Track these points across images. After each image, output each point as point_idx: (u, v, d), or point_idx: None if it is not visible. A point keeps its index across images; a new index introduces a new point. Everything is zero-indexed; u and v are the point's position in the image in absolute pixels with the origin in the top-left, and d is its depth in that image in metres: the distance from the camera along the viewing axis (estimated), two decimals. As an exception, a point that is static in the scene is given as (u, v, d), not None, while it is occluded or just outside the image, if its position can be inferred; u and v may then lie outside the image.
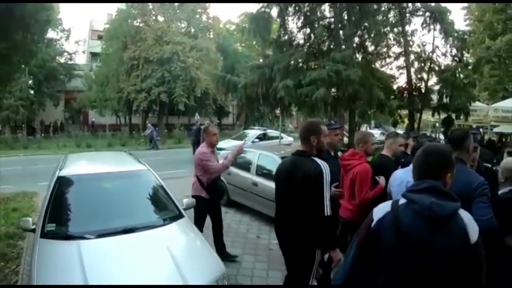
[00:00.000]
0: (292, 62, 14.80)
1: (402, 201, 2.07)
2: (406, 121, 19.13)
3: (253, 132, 20.32)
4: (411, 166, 4.10)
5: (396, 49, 17.80)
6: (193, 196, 5.71)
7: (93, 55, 42.65)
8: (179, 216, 4.63)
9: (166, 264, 3.60)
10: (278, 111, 18.24)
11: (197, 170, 5.86)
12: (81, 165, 5.90)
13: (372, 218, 2.09)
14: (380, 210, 2.10)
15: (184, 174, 11.76)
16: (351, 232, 4.75)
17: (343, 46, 15.06)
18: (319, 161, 3.59)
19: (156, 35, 31.62)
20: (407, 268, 1.95)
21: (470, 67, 17.27)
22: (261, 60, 17.42)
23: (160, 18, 34.49)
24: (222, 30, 40.39)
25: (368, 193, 4.57)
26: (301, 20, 16.33)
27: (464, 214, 2.02)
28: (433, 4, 16.40)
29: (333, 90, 14.23)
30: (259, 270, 5.76)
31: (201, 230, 5.41)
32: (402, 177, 4.04)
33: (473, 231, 1.97)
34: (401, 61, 17.43)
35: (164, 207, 4.86)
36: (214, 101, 35.38)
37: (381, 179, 4.62)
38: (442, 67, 16.77)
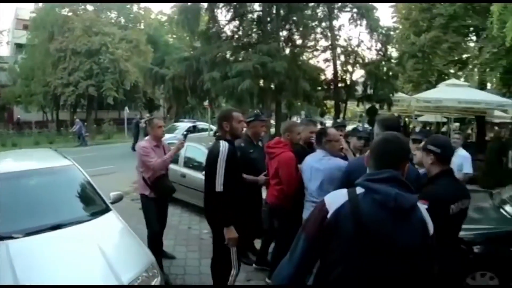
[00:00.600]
0: (219, 54, 14.74)
1: (360, 190, 1.95)
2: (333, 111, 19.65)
3: (183, 125, 20.03)
4: (319, 152, 4.20)
5: (323, 43, 18.21)
6: (139, 195, 5.58)
7: (18, 46, 39.65)
8: (106, 210, 4.60)
9: (96, 258, 3.57)
10: (206, 103, 18.13)
11: (140, 166, 5.38)
12: (3, 163, 5.46)
13: (326, 209, 1.92)
14: (335, 200, 1.94)
15: (114, 170, 11.49)
16: (276, 218, 5.08)
17: (271, 39, 15.12)
18: (222, 143, 3.94)
19: (85, 25, 30.26)
20: (366, 260, 1.85)
21: (393, 61, 17.97)
22: (187, 53, 17.14)
23: (90, 7, 33.12)
24: (153, 21, 39.50)
25: (294, 180, 4.67)
26: (230, 13, 16.29)
27: (421, 206, 2.01)
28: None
29: (260, 81, 14.25)
30: (191, 260, 5.86)
31: (158, 231, 5.36)
32: (313, 165, 4.22)
33: (430, 223, 1.98)
34: (328, 54, 17.83)
35: (91, 202, 4.80)
36: (144, 94, 34.62)
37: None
38: (367, 61, 17.35)
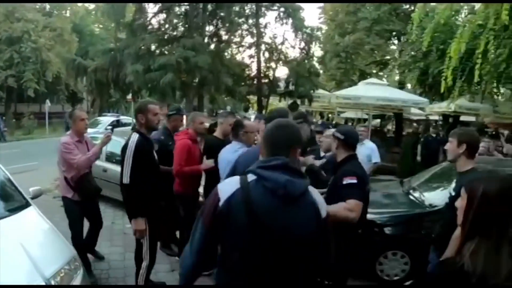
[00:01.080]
0: (143, 46, 14.60)
1: (252, 177, 1.95)
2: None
3: (106, 119, 19.40)
4: (234, 144, 4.36)
5: (249, 39, 18.55)
6: (62, 198, 4.96)
7: None
8: (26, 205, 4.36)
9: (17, 254, 3.43)
10: (129, 97, 17.86)
11: (62, 164, 4.79)
12: None
13: (219, 197, 1.91)
14: (227, 188, 1.94)
15: (36, 166, 10.84)
16: (181, 205, 5.19)
17: (197, 33, 15.24)
18: (133, 135, 3.97)
19: (7, 10, 28.19)
20: (261, 246, 1.88)
21: (316, 59, 18.70)
22: (113, 44, 16.80)
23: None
24: (80, 9, 37.58)
25: (182, 166, 4.82)
26: (158, 6, 16.14)
27: (313, 190, 2.03)
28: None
29: (183, 76, 14.32)
30: (115, 254, 5.78)
31: (79, 236, 4.89)
32: (228, 157, 4.16)
33: (322, 206, 2.02)
34: (253, 50, 18.19)
35: (9, 198, 4.51)
36: (66, 86, 32.64)
37: (208, 162, 4.80)
38: (290, 58, 17.92)
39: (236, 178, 1.99)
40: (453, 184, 3.79)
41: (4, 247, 3.43)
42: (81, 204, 4.86)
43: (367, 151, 7.51)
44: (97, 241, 5.44)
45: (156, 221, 4.23)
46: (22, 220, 4.13)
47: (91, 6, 40.23)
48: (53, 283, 3.25)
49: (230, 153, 4.16)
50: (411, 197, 6.02)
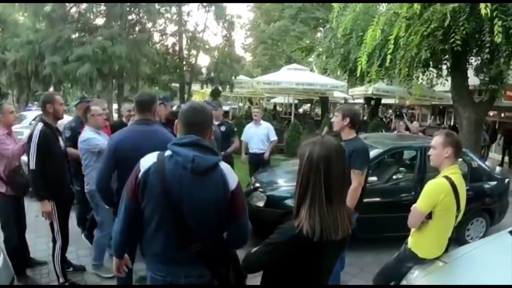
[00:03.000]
0: (62, 38, 14.30)
1: (168, 153, 2.21)
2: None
3: (31, 114, 18.68)
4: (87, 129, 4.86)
5: (172, 28, 18.76)
6: None
7: None
8: None
9: None
10: (51, 89, 17.54)
11: None
12: None
13: (139, 169, 2.19)
14: (147, 161, 2.21)
15: None
16: None
17: (117, 23, 15.29)
18: (38, 125, 4.31)
19: None
20: (173, 212, 2.15)
21: (242, 46, 19.26)
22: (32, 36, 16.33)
23: None
24: (2, -3, 35.72)
25: None
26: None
27: (224, 166, 2.30)
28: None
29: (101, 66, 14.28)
30: (40, 244, 5.97)
31: (14, 237, 4.74)
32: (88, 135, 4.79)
33: (232, 180, 2.28)
34: (175, 39, 18.37)
35: None
36: (-11, 81, 31.40)
37: None
38: (212, 46, 18.36)
39: (155, 154, 2.25)
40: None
41: None
42: (13, 200, 4.78)
43: (265, 131, 8.29)
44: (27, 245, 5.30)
45: (66, 204, 4.66)
46: None
47: (12, -5, 38.23)
48: None
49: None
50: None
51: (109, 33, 13.71)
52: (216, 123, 6.95)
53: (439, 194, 3.12)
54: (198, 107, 2.37)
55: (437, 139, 3.31)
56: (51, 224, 4.54)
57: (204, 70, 18.22)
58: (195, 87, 20.12)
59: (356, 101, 26.68)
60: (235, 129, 7.76)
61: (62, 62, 13.40)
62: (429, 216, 3.21)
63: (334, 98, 25.38)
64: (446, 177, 3.18)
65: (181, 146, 2.19)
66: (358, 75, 9.76)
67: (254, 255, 2.08)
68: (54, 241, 4.60)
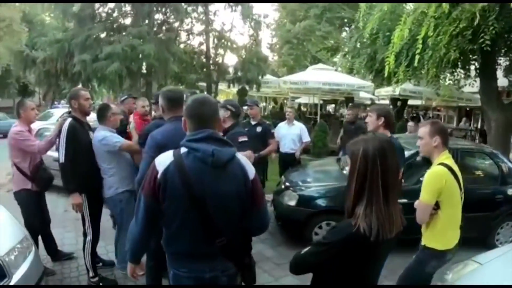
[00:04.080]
0: (91, 36, 14.66)
1: (183, 150, 2.21)
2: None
3: (58, 111, 19.06)
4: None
5: (199, 27, 18.79)
6: (16, 193, 4.88)
7: None
8: None
9: None
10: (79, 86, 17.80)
11: (15, 156, 4.79)
12: None
13: (157, 170, 2.16)
14: (163, 161, 2.19)
15: None
16: None
17: (145, 22, 15.52)
18: (68, 120, 4.45)
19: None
20: (198, 210, 2.16)
21: (267, 46, 19.23)
22: (61, 34, 16.61)
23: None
24: (30, -2, 36.56)
25: None
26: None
27: (241, 156, 2.35)
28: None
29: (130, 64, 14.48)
30: (68, 239, 6.12)
31: (36, 233, 4.87)
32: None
33: (250, 169, 2.32)
34: (202, 38, 18.44)
35: None
36: (17, 79, 31.92)
37: None
38: (239, 45, 18.34)
39: (170, 152, 2.24)
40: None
41: None
42: (37, 196, 4.96)
43: (297, 131, 8.31)
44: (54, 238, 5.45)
45: (97, 198, 4.70)
46: None
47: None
48: (7, 259, 3.42)
49: None
50: (344, 172, 6.62)
51: (138, 32, 13.89)
52: (253, 122, 7.07)
53: (440, 181, 3.17)
54: (202, 100, 2.37)
55: (423, 129, 3.42)
56: (82, 218, 4.65)
57: (231, 70, 18.21)
58: (222, 86, 20.17)
59: (382, 102, 26.40)
60: (273, 130, 7.61)
61: (91, 60, 13.60)
62: (437, 206, 3.24)
63: (360, 98, 25.08)
64: (442, 164, 3.27)
65: (197, 142, 2.20)
66: (385, 75, 9.55)
67: (305, 255, 2.05)
68: (84, 235, 4.70)
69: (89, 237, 4.64)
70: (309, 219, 5.95)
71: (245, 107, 7.68)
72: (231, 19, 18.67)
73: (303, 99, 28.82)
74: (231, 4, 17.97)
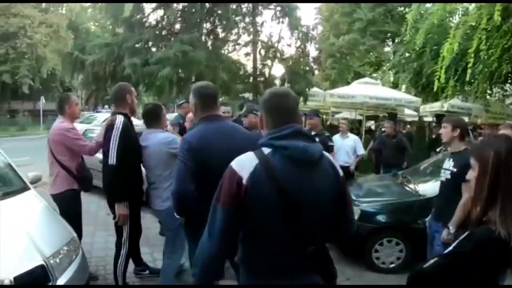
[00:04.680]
0: (141, 41, 14.69)
1: (267, 150, 1.92)
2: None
3: (101, 115, 19.31)
4: None
5: (245, 38, 18.51)
6: (59, 195, 4.48)
7: None
8: (25, 189, 4.37)
9: (16, 234, 3.50)
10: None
11: (61, 154, 4.40)
12: None
13: (239, 175, 1.85)
14: (246, 165, 1.88)
15: (30, 161, 10.53)
16: None
17: (194, 30, 15.36)
18: (118, 116, 3.97)
19: (3, 5, 28.42)
20: (292, 215, 1.86)
21: (311, 58, 18.80)
22: (110, 38, 16.74)
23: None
24: (76, 6, 37.72)
25: None
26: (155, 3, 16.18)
27: (327, 153, 2.08)
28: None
29: (179, 70, 14.41)
30: (111, 243, 5.65)
31: (81, 236, 4.46)
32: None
33: (338, 166, 2.12)
34: (249, 48, 18.22)
35: (8, 181, 4.52)
36: (61, 83, 32.97)
37: None
38: (286, 56, 17.96)
39: (251, 154, 1.93)
40: (448, 164, 4.19)
41: (3, 228, 3.43)
42: (78, 196, 4.65)
43: (352, 143, 7.96)
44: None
45: (138, 206, 4.28)
46: (21, 203, 4.13)
47: (87, 3, 40.35)
48: (52, 262, 3.29)
49: None
50: (406, 187, 6.42)
51: (189, 38, 13.70)
52: (312, 133, 6.60)
53: None
54: (282, 92, 2.14)
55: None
56: (119, 228, 4.13)
57: (277, 82, 17.88)
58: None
59: (425, 119, 25.65)
60: (332, 143, 7.13)
61: (141, 64, 13.48)
62: None
63: (403, 115, 24.43)
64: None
65: (283, 139, 1.90)
66: (434, 90, 9.16)
67: (432, 269, 1.86)
68: (118, 246, 4.20)
69: (123, 251, 4.16)
70: (371, 235, 5.72)
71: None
72: (279, 30, 18.21)
73: (344, 114, 28.31)
74: (278, 15, 17.74)
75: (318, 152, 1.95)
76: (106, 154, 3.90)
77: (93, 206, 7.71)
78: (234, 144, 2.65)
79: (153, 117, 4.19)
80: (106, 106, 32.47)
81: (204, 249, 1.97)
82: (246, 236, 1.98)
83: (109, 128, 3.91)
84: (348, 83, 24.40)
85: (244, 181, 1.83)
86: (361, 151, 8.13)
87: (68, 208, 4.46)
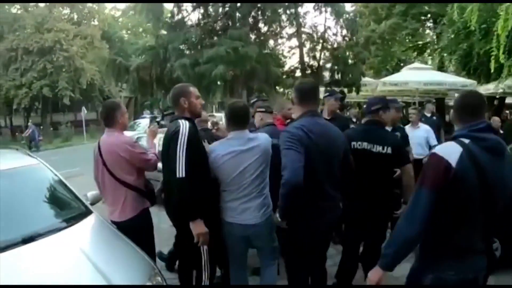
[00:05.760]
0: (187, 41, 14.25)
1: (466, 140, 2.15)
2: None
3: (145, 121, 18.85)
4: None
5: (288, 30, 17.93)
6: (132, 220, 3.80)
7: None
8: (87, 212, 3.73)
9: (85, 270, 2.87)
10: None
11: (128, 173, 3.78)
12: None
13: (447, 160, 2.08)
14: (451, 152, 2.12)
15: (80, 172, 10.37)
16: None
17: (237, 25, 14.90)
18: (182, 122, 3.29)
19: (37, 22, 28.96)
20: (488, 201, 2.10)
21: (359, 46, 18.02)
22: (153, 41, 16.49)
23: (41, 4, 31.50)
24: (108, 17, 38.08)
25: None
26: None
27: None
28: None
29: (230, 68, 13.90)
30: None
31: (154, 255, 4.05)
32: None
33: None
34: (293, 41, 17.66)
35: (67, 205, 3.90)
36: (100, 92, 33.23)
37: None
38: (335, 46, 17.28)
39: (452, 143, 2.17)
40: None
41: (70, 266, 2.93)
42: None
43: (425, 134, 7.33)
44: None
45: (213, 222, 3.45)
46: (86, 231, 3.57)
47: (118, 13, 40.92)
48: None
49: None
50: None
51: (238, 34, 13.16)
52: (388, 128, 5.99)
53: None
54: (475, 94, 2.45)
55: None
56: (192, 248, 3.32)
57: (326, 74, 17.21)
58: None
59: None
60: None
61: (191, 65, 13.00)
62: None
63: (448, 99, 23.44)
64: None
65: (481, 132, 2.16)
66: (492, 70, 8.81)
67: None
68: (198, 269, 3.44)
69: (205, 275, 3.41)
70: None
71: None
72: (323, 20, 17.39)
73: (390, 103, 27.52)
74: (319, 5, 17.05)
75: (504, 144, 2.22)
76: (168, 166, 3.28)
77: (155, 218, 7.07)
78: (332, 138, 3.03)
79: (244, 117, 3.55)
80: (148, 112, 32.83)
81: (403, 232, 2.15)
82: (443, 219, 2.14)
83: (172, 135, 3.25)
84: (388, 70, 23.63)
85: (453, 165, 2.06)
86: (434, 141, 7.35)
87: (142, 230, 3.85)
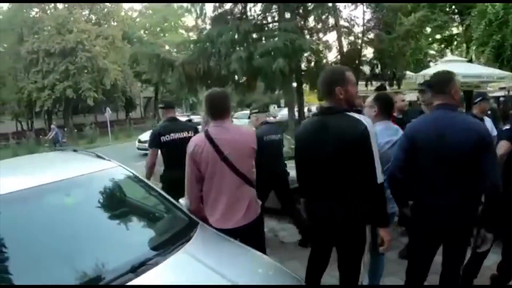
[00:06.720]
0: (239, 34, 13.89)
1: None
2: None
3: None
4: None
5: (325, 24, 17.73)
6: (253, 223, 3.24)
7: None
8: (192, 224, 2.98)
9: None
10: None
11: (251, 170, 3.30)
12: (6, 178, 2.78)
13: None
14: None
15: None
16: None
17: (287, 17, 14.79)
18: (363, 118, 2.78)
19: (57, 23, 28.85)
20: None
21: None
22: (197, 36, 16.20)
23: (60, 5, 31.51)
24: (126, 17, 38.10)
25: None
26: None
27: None
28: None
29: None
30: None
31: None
32: None
33: None
34: (330, 36, 17.56)
35: (169, 217, 3.17)
36: (123, 93, 33.20)
37: None
38: (375, 39, 17.10)
39: None
40: None
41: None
42: None
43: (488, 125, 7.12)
44: None
45: None
46: (208, 247, 2.79)
47: (135, 14, 40.88)
48: None
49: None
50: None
51: (292, 26, 12.99)
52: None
53: None
54: None
55: None
56: (353, 262, 2.93)
57: (365, 68, 16.96)
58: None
59: (497, 94, 24.47)
60: None
61: (246, 58, 12.78)
62: None
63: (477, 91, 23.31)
64: None
65: None
66: None
67: None
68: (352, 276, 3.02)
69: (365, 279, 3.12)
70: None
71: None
72: (361, 13, 17.27)
73: (410, 97, 27.37)
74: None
75: None
76: (358, 169, 2.76)
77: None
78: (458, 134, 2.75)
79: (389, 107, 3.73)
80: (179, 110, 32.58)
81: None
82: None
83: (358, 135, 2.69)
84: (416, 63, 23.52)
85: None
86: (494, 132, 7.20)
87: (262, 234, 3.55)
